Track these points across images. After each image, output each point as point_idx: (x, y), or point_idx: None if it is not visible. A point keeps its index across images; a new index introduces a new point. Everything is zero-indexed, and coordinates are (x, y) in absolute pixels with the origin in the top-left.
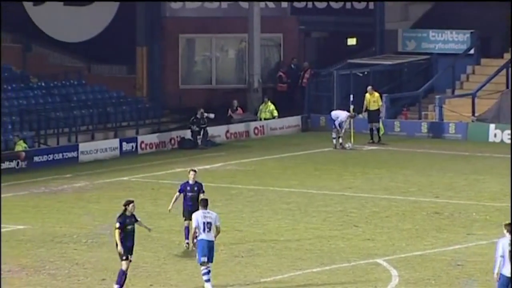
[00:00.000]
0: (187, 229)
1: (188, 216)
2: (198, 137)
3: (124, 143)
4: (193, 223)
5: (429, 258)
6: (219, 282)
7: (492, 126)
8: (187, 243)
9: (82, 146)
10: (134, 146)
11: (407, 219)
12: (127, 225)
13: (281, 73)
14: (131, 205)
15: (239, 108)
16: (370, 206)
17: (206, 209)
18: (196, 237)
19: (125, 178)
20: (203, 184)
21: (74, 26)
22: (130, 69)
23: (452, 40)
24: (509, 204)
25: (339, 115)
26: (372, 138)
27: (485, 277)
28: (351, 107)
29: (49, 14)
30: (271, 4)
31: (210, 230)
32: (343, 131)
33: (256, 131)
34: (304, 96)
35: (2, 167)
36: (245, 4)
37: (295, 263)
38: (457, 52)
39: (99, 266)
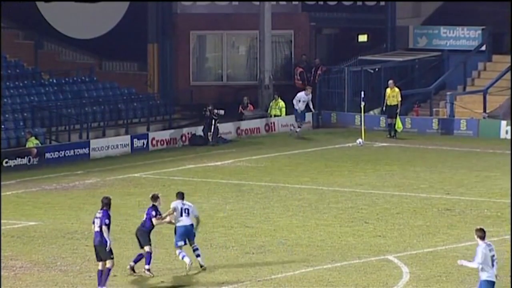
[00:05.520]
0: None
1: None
2: (209, 133)
3: (135, 140)
4: (171, 209)
5: (440, 254)
6: (230, 278)
7: (503, 122)
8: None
9: (94, 143)
10: (145, 143)
11: (418, 215)
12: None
13: (301, 69)
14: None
15: (250, 105)
16: (381, 203)
17: (183, 200)
18: (171, 222)
19: (136, 175)
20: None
21: (86, 23)
22: (141, 65)
23: (463, 37)
24: None
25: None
26: (390, 133)
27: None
28: (362, 103)
29: (61, 11)
30: (282, 1)
31: (188, 215)
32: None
33: (267, 127)
34: (315, 93)
35: (13, 164)
36: (256, 1)
37: (306, 259)
38: (469, 48)
39: None
